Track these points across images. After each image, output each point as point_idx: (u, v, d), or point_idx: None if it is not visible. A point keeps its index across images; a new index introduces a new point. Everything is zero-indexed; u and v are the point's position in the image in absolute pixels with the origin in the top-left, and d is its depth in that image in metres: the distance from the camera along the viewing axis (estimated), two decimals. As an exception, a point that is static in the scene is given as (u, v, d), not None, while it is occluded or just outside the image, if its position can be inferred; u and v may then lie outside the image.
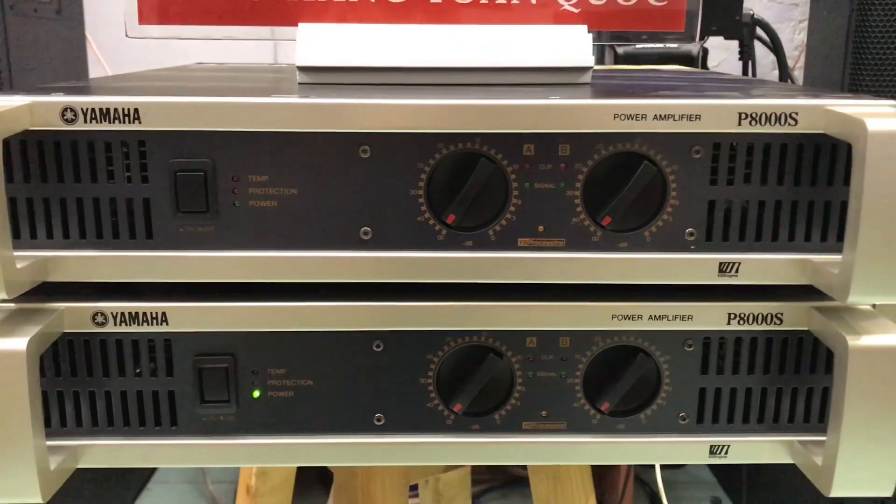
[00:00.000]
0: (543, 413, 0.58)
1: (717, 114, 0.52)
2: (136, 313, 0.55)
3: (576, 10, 0.70)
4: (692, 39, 0.72)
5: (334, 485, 0.76)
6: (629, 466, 1.44)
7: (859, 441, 0.51)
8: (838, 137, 0.51)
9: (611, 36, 1.28)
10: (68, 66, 1.40)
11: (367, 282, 0.55)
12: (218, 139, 0.53)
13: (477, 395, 0.57)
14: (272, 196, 0.54)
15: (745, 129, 0.52)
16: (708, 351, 0.57)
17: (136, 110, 0.52)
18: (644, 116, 0.52)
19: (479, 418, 0.58)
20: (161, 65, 0.97)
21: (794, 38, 1.95)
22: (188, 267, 0.54)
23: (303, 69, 0.66)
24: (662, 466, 1.77)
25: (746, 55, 1.41)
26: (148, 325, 0.55)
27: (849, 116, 0.49)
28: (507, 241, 0.54)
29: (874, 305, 0.55)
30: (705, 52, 1.54)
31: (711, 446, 0.58)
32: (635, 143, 0.53)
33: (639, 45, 1.31)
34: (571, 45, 0.68)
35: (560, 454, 0.58)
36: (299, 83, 0.66)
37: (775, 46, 1.38)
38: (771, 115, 0.52)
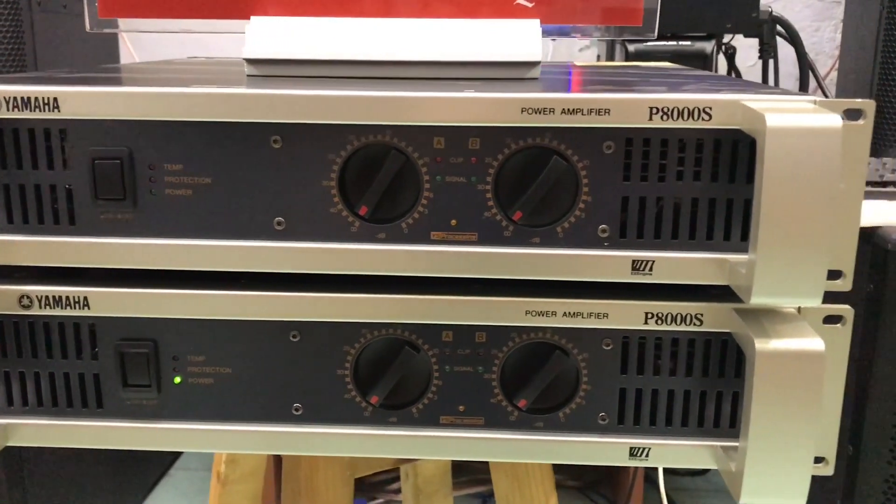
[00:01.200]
0: (461, 408, 0.58)
1: (626, 108, 0.51)
2: (60, 297, 0.56)
3: (529, 5, 0.69)
4: (652, 35, 0.71)
5: (283, 473, 0.77)
6: (635, 469, 1.42)
7: (767, 447, 0.50)
8: (749, 133, 0.49)
9: (617, 31, 1.26)
10: (100, 63, 1.44)
11: (285, 272, 0.55)
12: (134, 128, 0.54)
13: (394, 387, 0.57)
14: (187, 185, 0.55)
15: (657, 123, 0.51)
16: (627, 351, 0.56)
17: (55, 99, 0.53)
18: (552, 111, 0.51)
19: (397, 411, 0.58)
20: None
21: (834, 37, 1.90)
22: (108, 253, 0.55)
23: (250, 61, 0.67)
24: (682, 472, 1.74)
25: (766, 54, 1.37)
26: (71, 308, 0.56)
27: (752, 111, 0.48)
28: (419, 235, 0.54)
29: (799, 309, 0.54)
30: (732, 51, 1.51)
31: (631, 448, 0.57)
32: (545, 138, 0.52)
33: (650, 43, 1.29)
34: (518, 40, 0.67)
35: (477, 450, 0.58)
36: (247, 75, 0.67)
37: (795, 45, 1.34)
38: (683, 109, 0.51)
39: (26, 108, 0.53)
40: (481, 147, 0.53)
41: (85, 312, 0.57)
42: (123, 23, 0.71)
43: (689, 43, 1.29)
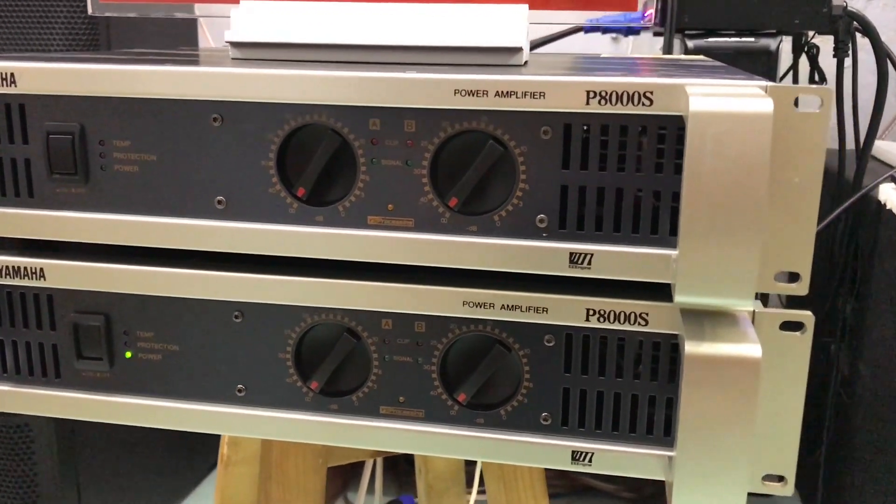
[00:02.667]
0: (401, 399, 0.56)
1: (561, 91, 0.49)
2: (18, 268, 0.58)
3: (518, -11, 0.67)
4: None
5: (221, 459, 0.77)
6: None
7: (696, 459, 0.46)
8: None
9: (676, 27, 1.21)
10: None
11: (232, 252, 0.55)
12: (86, 104, 0.55)
13: (335, 375, 0.56)
14: (134, 161, 0.55)
15: (595, 108, 0.48)
16: (570, 349, 0.53)
17: (11, 74, 0.55)
18: (485, 93, 0.49)
19: (338, 398, 0.57)
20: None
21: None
22: (61, 226, 0.56)
23: (234, 45, 0.67)
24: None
25: (841, 52, 1.29)
26: (29, 279, 0.58)
27: (683, 94, 0.44)
28: (356, 219, 0.53)
29: (754, 312, 0.50)
30: (815, 50, 1.43)
31: (574, 452, 0.54)
32: (481, 122, 0.50)
33: (711, 39, 1.23)
34: (502, 26, 0.65)
35: (416, 443, 0.56)
36: (231, 58, 0.68)
37: (873, 43, 1.26)
38: (623, 93, 0.48)
39: (-13, 83, 0.55)
40: (417, 130, 0.51)
41: (41, 283, 0.58)
42: (121, 7, 0.73)
43: (752, 39, 1.22)
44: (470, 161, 0.51)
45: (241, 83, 0.52)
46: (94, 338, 0.58)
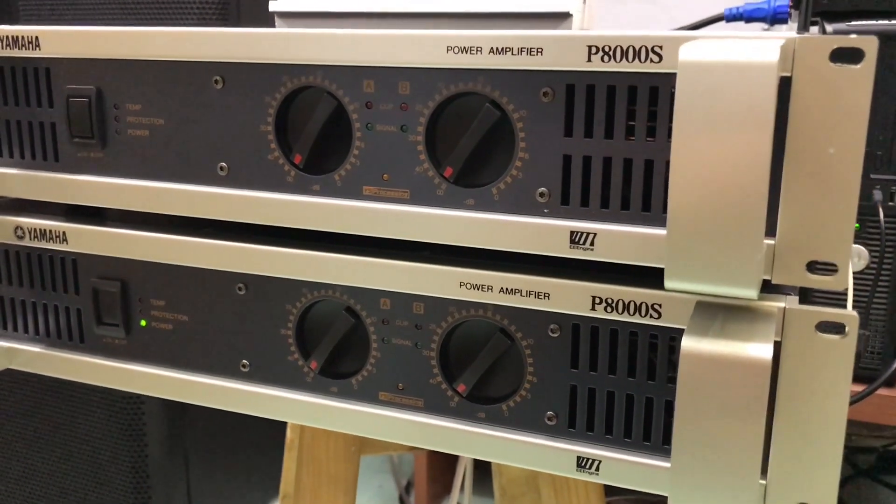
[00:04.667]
0: (400, 385, 0.52)
1: (561, 47, 0.43)
2: (44, 230, 0.59)
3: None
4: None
5: (286, 441, 0.75)
6: None
7: (690, 476, 0.40)
8: (693, 77, 0.39)
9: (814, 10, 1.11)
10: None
11: (236, 222, 0.53)
12: (100, 67, 0.54)
13: (335, 355, 0.53)
14: (145, 125, 0.54)
15: (598, 65, 0.43)
16: (577, 341, 0.47)
17: (36, 38, 0.55)
18: (479, 49, 0.45)
19: (338, 381, 0.54)
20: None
21: None
22: (80, 191, 0.57)
23: (278, 14, 0.66)
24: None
25: None
26: (53, 242, 0.59)
27: (681, 44, 0.38)
28: (352, 189, 0.50)
29: (784, 309, 0.42)
30: None
31: (579, 458, 0.48)
32: (477, 83, 0.45)
33: (853, 23, 1.10)
34: (550, -11, 0.60)
35: (414, 434, 0.52)
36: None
37: None
38: (628, 48, 0.42)
39: (16, 47, 0.56)
40: (412, 92, 0.47)
41: (64, 247, 0.58)
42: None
43: (901, 21, 1.08)
44: (466, 127, 0.46)
45: (238, 43, 0.50)
46: (112, 304, 0.58)
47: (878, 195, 0.95)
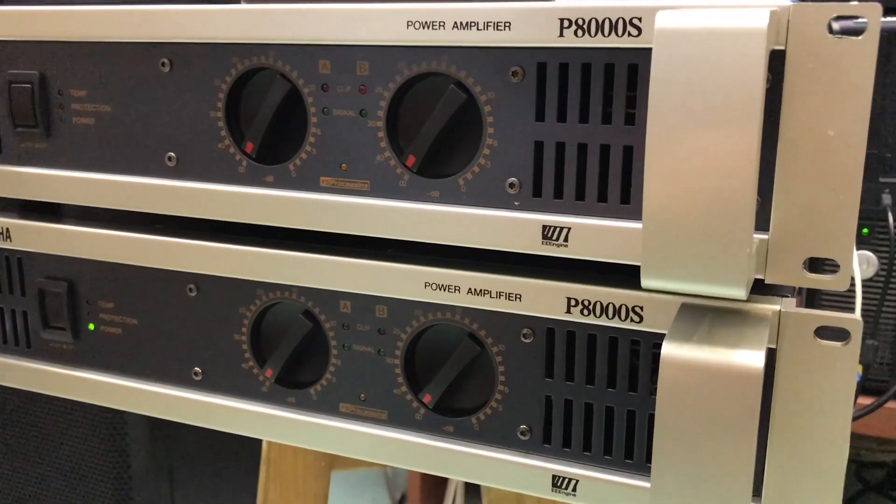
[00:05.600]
0: (362, 396, 0.48)
1: (530, 20, 0.39)
2: (-14, 227, 0.55)
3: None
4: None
5: (262, 455, 0.70)
6: None
7: (672, 490, 0.35)
8: (675, 50, 0.35)
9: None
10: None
11: (185, 216, 0.49)
12: (43, 50, 0.50)
13: (291, 362, 0.49)
14: (90, 113, 0.50)
15: (571, 41, 0.38)
16: (552, 347, 0.43)
17: (-26, 19, 0.51)
18: (442, 24, 0.40)
19: (295, 391, 0.49)
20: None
21: None
22: (24, 184, 0.53)
23: (244, -2, 0.62)
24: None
25: None
26: (-3, 240, 0.55)
27: (657, 10, 0.33)
28: (308, 180, 0.46)
29: (780, 312, 0.38)
30: None
31: (554, 476, 0.43)
32: (441, 62, 0.41)
33: (888, 19, 1.06)
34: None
35: (377, 450, 0.47)
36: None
37: None
38: (603, 20, 0.37)
39: (-46, 29, 0.52)
40: (371, 73, 0.43)
41: (8, 245, 0.54)
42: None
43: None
44: (431, 111, 0.42)
45: (185, 21, 0.46)
46: (58, 306, 0.54)
47: (887, 199, 0.90)
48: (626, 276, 0.41)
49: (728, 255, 0.32)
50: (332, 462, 0.69)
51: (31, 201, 0.55)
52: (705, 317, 0.37)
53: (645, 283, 0.34)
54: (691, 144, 0.32)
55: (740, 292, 0.33)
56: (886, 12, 1.07)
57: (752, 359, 0.33)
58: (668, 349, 0.34)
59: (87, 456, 1.24)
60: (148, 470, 1.27)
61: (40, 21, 0.50)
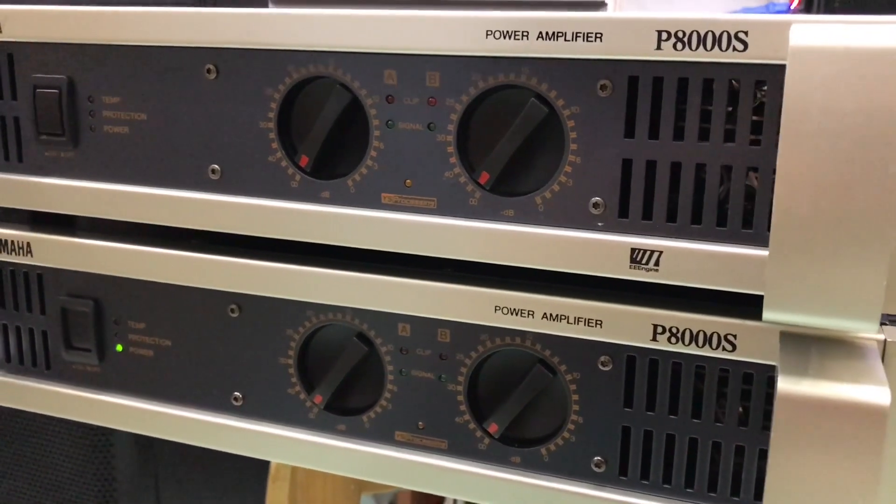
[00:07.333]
0: (420, 424, 0.45)
1: (624, 31, 0.36)
2: (5, 241, 0.51)
3: (609, -67, 0.55)
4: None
5: (270, 474, 0.67)
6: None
7: (786, 541, 0.33)
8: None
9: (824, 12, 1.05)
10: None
11: (230, 233, 0.46)
12: (73, 53, 0.47)
13: (343, 388, 0.46)
14: (124, 121, 0.47)
15: (669, 54, 0.36)
16: (632, 376, 0.41)
17: (-5, 19, 0.48)
18: (525, 34, 0.38)
19: (346, 417, 0.47)
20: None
21: None
22: (49, 196, 0.49)
23: (273, -1, 0.59)
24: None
25: None
26: (16, 255, 0.51)
27: (784, 28, 0.31)
28: (368, 196, 0.43)
29: (885, 342, 0.36)
30: None
31: (632, 511, 0.41)
32: (521, 74, 0.39)
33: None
34: (583, -27, 0.53)
35: (438, 481, 0.45)
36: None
37: None
38: (706, 34, 0.35)
39: (-27, 29, 0.48)
40: (442, 84, 0.40)
41: (28, 260, 0.51)
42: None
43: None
44: (506, 125, 0.39)
45: (235, 25, 0.43)
46: (83, 325, 0.51)
47: None
48: (708, 300, 0.39)
49: (864, 286, 0.30)
50: (362, 485, 0.67)
51: (41, 213, 0.51)
52: (811, 348, 0.35)
53: (767, 315, 0.32)
54: (826, 166, 0.30)
55: (873, 326, 0.31)
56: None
57: (877, 395, 0.31)
58: (785, 385, 0.32)
59: (70, 469, 1.20)
60: (133, 485, 1.23)
61: (70, 22, 0.47)
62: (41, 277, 0.51)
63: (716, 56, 0.35)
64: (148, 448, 1.22)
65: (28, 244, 0.50)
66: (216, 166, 0.45)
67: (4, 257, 0.51)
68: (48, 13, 0.47)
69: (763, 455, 0.39)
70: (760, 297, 0.36)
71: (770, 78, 0.35)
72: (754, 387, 0.39)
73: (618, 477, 0.42)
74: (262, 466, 1.63)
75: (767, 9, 1.00)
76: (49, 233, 0.51)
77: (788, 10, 0.97)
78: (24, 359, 0.53)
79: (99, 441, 1.17)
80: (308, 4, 0.55)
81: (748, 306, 0.38)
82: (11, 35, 0.48)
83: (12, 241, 0.51)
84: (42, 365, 0.53)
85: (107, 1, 0.47)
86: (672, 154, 0.37)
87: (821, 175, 0.30)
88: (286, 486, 0.74)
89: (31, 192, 0.49)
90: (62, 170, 0.49)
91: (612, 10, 0.53)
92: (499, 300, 0.42)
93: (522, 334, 0.42)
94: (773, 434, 0.33)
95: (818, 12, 0.99)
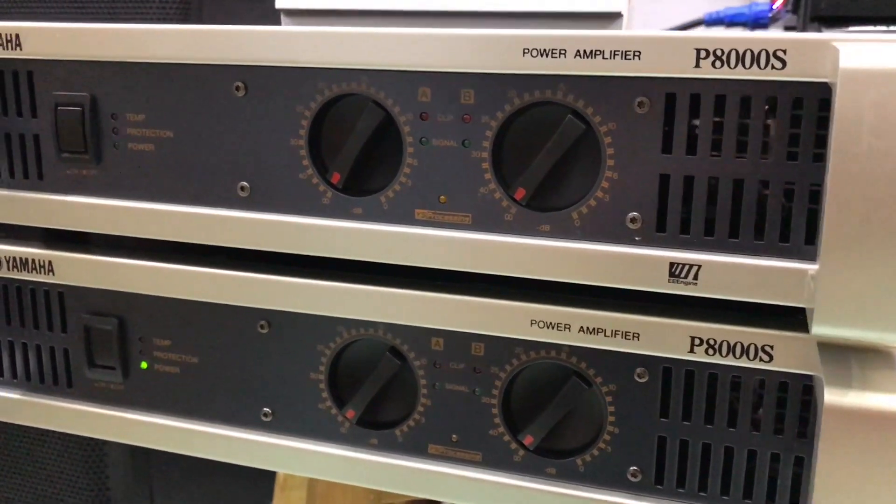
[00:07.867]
0: (454, 437, 0.45)
1: (662, 49, 0.37)
2: (26, 259, 0.50)
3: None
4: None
5: (277, 482, 0.68)
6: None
7: (834, 550, 0.34)
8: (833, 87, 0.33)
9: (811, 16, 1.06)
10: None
11: (259, 250, 0.46)
12: (96, 71, 0.47)
13: (374, 402, 0.46)
14: (149, 139, 0.47)
15: (708, 72, 0.37)
16: (668, 387, 0.41)
17: (17, 36, 0.47)
18: (563, 53, 0.38)
19: (378, 432, 0.47)
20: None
21: None
22: (71, 214, 0.49)
23: (285, 12, 0.58)
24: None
25: None
26: (37, 273, 0.50)
27: (831, 51, 0.32)
28: (402, 213, 0.43)
29: (921, 351, 0.37)
30: None
31: (669, 519, 0.42)
32: (557, 91, 0.39)
33: (852, 29, 1.07)
34: (598, -14, 0.54)
35: (472, 493, 0.45)
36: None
37: None
38: (745, 52, 0.36)
39: (-9, 46, 0.48)
40: (476, 101, 0.41)
41: (50, 279, 0.50)
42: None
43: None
44: (542, 142, 0.40)
45: (265, 42, 0.43)
46: (107, 343, 0.50)
47: None
48: (739, 311, 0.40)
49: (913, 303, 0.31)
50: (380, 495, 0.67)
51: (64, 232, 0.51)
52: (850, 359, 0.36)
53: (816, 329, 0.33)
54: (876, 185, 0.30)
55: (921, 341, 0.32)
56: (876, 21, 1.07)
57: (923, 407, 0.32)
58: (832, 397, 0.33)
59: (63, 478, 1.19)
60: (128, 492, 1.22)
61: (93, 39, 0.46)
62: (62, 296, 0.51)
63: (754, 74, 0.36)
64: (142, 456, 1.22)
65: (49, 262, 0.50)
66: (245, 183, 0.45)
67: (25, 276, 0.51)
68: (70, 31, 0.47)
69: (798, 462, 0.40)
70: (795, 309, 0.37)
71: (807, 95, 0.36)
72: (790, 395, 0.39)
73: (654, 486, 0.43)
74: (260, 474, 1.62)
75: (749, 9, 1.01)
76: (63, 250, 0.50)
77: (770, 10, 0.99)
78: (45, 377, 0.53)
79: (93, 450, 1.16)
80: (320, 20, 0.55)
81: (782, 316, 0.39)
82: (32, 52, 0.47)
83: (33, 260, 0.50)
84: (63, 383, 0.52)
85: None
86: (708, 170, 0.38)
87: (871, 193, 0.30)
88: (299, 494, 0.74)
89: (52, 210, 0.49)
90: (84, 188, 0.48)
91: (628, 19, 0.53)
92: (535, 314, 0.42)
93: (558, 347, 0.42)
94: (820, 445, 0.33)
95: (805, 14, 1.00)
